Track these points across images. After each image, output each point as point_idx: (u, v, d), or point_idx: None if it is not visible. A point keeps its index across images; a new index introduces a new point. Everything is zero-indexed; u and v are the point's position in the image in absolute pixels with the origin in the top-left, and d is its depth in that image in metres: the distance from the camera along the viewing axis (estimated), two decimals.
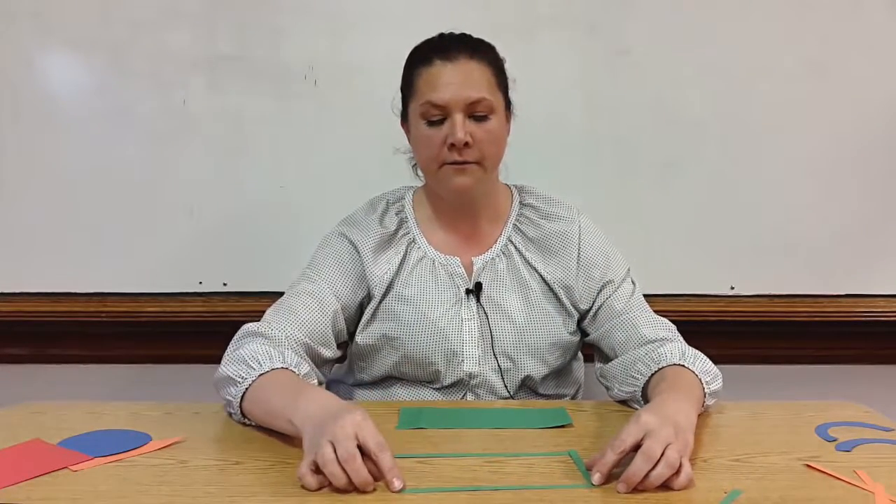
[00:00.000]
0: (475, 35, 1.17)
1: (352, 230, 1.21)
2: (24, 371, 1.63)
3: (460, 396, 1.19)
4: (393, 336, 1.17)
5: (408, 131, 1.20)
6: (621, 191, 1.60)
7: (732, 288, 1.63)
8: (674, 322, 1.19)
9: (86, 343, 1.63)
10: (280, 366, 1.00)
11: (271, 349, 1.02)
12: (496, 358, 1.18)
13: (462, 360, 1.17)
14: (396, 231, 1.22)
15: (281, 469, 0.87)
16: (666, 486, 0.81)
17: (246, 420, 1.00)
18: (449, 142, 1.10)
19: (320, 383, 1.12)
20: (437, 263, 1.20)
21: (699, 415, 0.97)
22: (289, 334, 1.08)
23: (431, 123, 1.12)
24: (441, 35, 1.17)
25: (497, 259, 1.21)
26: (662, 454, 0.81)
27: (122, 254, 1.59)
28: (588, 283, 1.21)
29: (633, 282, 1.24)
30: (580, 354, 1.30)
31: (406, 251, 1.21)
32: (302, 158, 1.57)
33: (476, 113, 1.11)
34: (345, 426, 0.81)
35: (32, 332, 1.61)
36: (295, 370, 1.01)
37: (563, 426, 1.02)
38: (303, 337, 1.10)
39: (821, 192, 1.60)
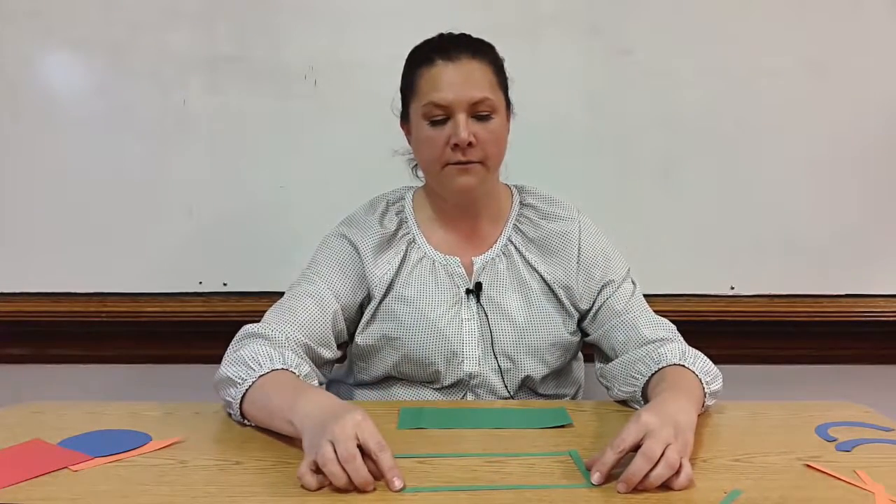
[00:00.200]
0: (476, 35, 1.17)
1: (352, 230, 1.21)
2: (24, 371, 1.63)
3: (460, 396, 1.19)
4: (393, 336, 1.17)
5: (408, 132, 1.20)
6: (622, 191, 1.60)
7: (732, 288, 1.63)
8: (674, 322, 1.19)
9: (86, 343, 1.62)
10: (280, 367, 1.00)
11: (271, 350, 1.02)
12: (496, 358, 1.18)
13: (462, 361, 1.17)
14: (396, 231, 1.22)
15: (281, 469, 0.87)
16: (666, 486, 0.81)
17: (246, 421, 1.00)
18: (452, 142, 1.10)
19: (321, 384, 1.12)
20: (436, 263, 1.20)
21: (699, 415, 0.97)
22: (289, 335, 1.08)
23: (434, 124, 1.12)
24: (441, 35, 1.17)
25: (497, 259, 1.21)
26: (662, 454, 0.81)
27: (122, 254, 1.59)
28: (588, 284, 1.21)
29: (633, 282, 1.24)
30: (580, 354, 1.30)
31: (406, 251, 1.21)
32: (302, 158, 1.57)
33: (478, 113, 1.11)
34: (345, 426, 0.81)
35: (32, 332, 1.61)
36: (295, 371, 1.01)
37: (563, 426, 1.02)
38: (302, 338, 1.10)
39: (821, 192, 1.60)
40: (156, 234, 1.59)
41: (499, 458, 0.90)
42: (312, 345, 1.12)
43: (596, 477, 0.82)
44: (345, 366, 1.31)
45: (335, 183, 1.56)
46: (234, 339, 1.09)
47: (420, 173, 1.25)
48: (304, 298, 1.15)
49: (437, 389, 1.19)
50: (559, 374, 1.23)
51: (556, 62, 1.56)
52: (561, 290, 1.20)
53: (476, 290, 1.19)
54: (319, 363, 1.14)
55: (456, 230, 1.22)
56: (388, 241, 1.21)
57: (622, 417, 1.06)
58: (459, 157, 1.11)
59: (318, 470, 0.81)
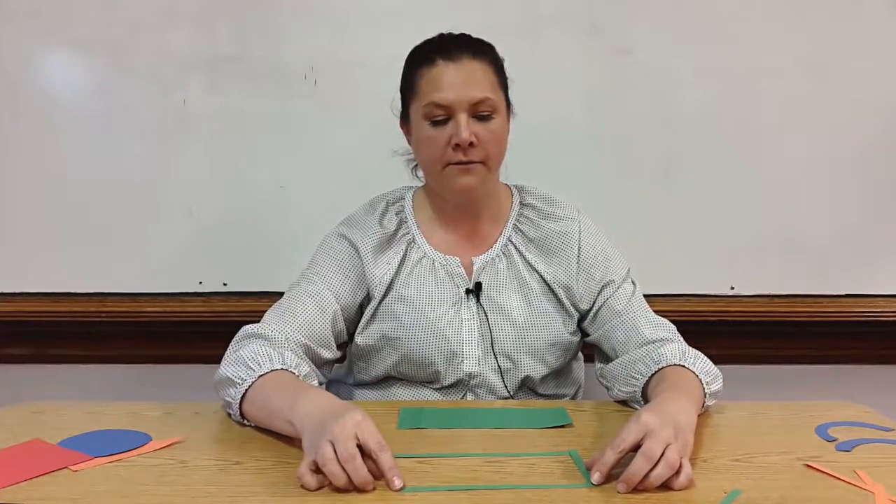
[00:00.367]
0: (476, 35, 1.16)
1: (351, 231, 1.21)
2: (24, 371, 1.63)
3: (460, 396, 1.19)
4: (392, 336, 1.17)
5: (408, 132, 1.20)
6: (622, 191, 1.60)
7: (732, 288, 1.63)
8: (674, 322, 1.19)
9: (86, 343, 1.62)
10: (279, 367, 1.00)
11: (271, 350, 1.02)
12: (496, 358, 1.18)
13: (462, 361, 1.17)
14: (396, 231, 1.22)
15: (281, 469, 0.87)
16: (666, 486, 0.81)
17: (245, 421, 1.00)
18: (454, 142, 1.10)
19: (321, 384, 1.12)
20: (436, 263, 1.20)
21: (699, 415, 0.97)
22: (288, 336, 1.08)
23: (435, 124, 1.12)
24: (441, 35, 1.17)
25: (497, 259, 1.21)
26: (662, 454, 0.80)
27: (122, 254, 1.59)
28: (588, 284, 1.21)
29: (633, 282, 1.24)
30: (580, 354, 1.30)
31: (406, 251, 1.21)
32: (302, 158, 1.57)
33: (480, 112, 1.11)
34: (345, 426, 0.81)
35: (32, 332, 1.61)
36: (294, 371, 1.01)
37: (563, 426, 1.02)
38: (302, 338, 1.10)
39: (821, 192, 1.60)
40: (156, 234, 1.59)
41: (499, 458, 0.90)
42: (312, 345, 1.11)
43: (596, 477, 0.82)
44: (344, 366, 1.30)
45: (335, 183, 1.56)
46: (234, 339, 1.09)
47: (419, 174, 1.25)
48: (304, 299, 1.15)
49: (436, 389, 1.19)
50: (559, 374, 1.23)
51: (556, 62, 1.56)
52: (561, 291, 1.20)
53: (476, 290, 1.19)
54: (319, 363, 1.14)
55: (456, 230, 1.22)
56: (388, 241, 1.21)
57: (622, 417, 1.06)
58: (461, 157, 1.11)
59: (317, 470, 0.81)
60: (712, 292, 1.63)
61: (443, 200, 1.21)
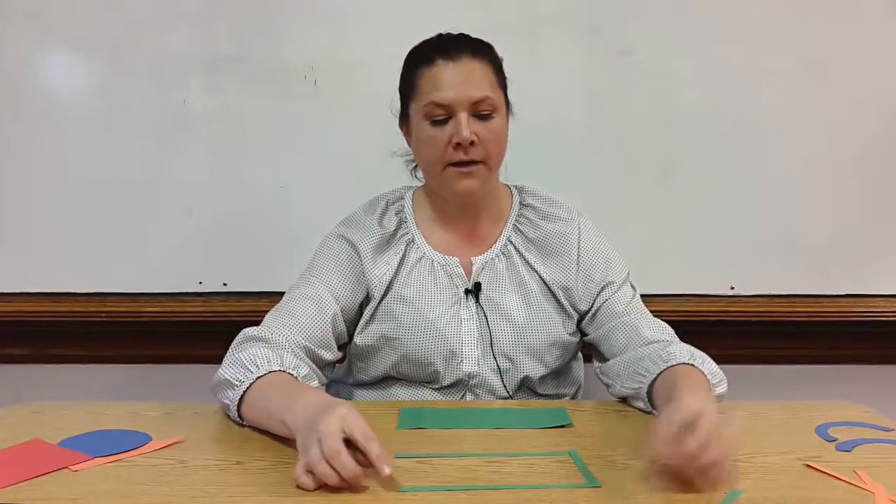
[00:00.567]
0: (475, 35, 1.16)
1: (351, 231, 1.21)
2: (24, 371, 1.63)
3: (459, 396, 1.19)
4: (392, 336, 1.17)
5: (407, 132, 1.20)
6: (622, 191, 1.60)
7: (732, 288, 1.63)
8: (674, 322, 1.19)
9: (86, 343, 1.62)
10: (278, 368, 1.00)
11: (269, 353, 1.02)
12: (495, 358, 1.17)
13: (461, 361, 1.17)
14: (395, 231, 1.21)
15: (280, 469, 0.87)
16: (698, 474, 0.80)
17: (244, 424, 1.00)
18: (454, 141, 1.10)
19: (321, 384, 1.12)
20: (436, 264, 1.20)
21: None
22: (288, 338, 1.08)
23: (435, 123, 1.12)
24: (440, 35, 1.16)
25: (496, 259, 1.21)
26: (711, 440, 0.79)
27: (122, 254, 1.59)
28: (588, 285, 1.21)
29: (632, 286, 1.23)
30: (580, 355, 1.29)
31: (405, 251, 1.20)
32: (302, 158, 1.57)
33: (480, 112, 1.11)
34: (329, 422, 0.81)
35: (32, 332, 1.61)
36: (293, 373, 1.01)
37: (562, 426, 1.02)
38: (302, 340, 1.10)
39: (821, 192, 1.60)
40: (156, 234, 1.59)
41: (498, 458, 0.90)
42: (313, 347, 1.11)
43: (662, 452, 0.81)
44: (344, 366, 1.30)
45: (335, 183, 1.56)
46: (234, 342, 1.08)
47: (419, 174, 1.25)
48: (304, 301, 1.14)
49: (436, 389, 1.19)
50: (559, 373, 1.23)
51: (556, 62, 1.56)
52: (560, 291, 1.20)
53: (475, 291, 1.18)
54: (321, 365, 1.14)
55: (455, 230, 1.22)
56: (388, 242, 1.21)
57: (622, 417, 1.06)
58: (461, 156, 1.11)
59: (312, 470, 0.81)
60: (712, 292, 1.63)
61: (442, 200, 1.21)
